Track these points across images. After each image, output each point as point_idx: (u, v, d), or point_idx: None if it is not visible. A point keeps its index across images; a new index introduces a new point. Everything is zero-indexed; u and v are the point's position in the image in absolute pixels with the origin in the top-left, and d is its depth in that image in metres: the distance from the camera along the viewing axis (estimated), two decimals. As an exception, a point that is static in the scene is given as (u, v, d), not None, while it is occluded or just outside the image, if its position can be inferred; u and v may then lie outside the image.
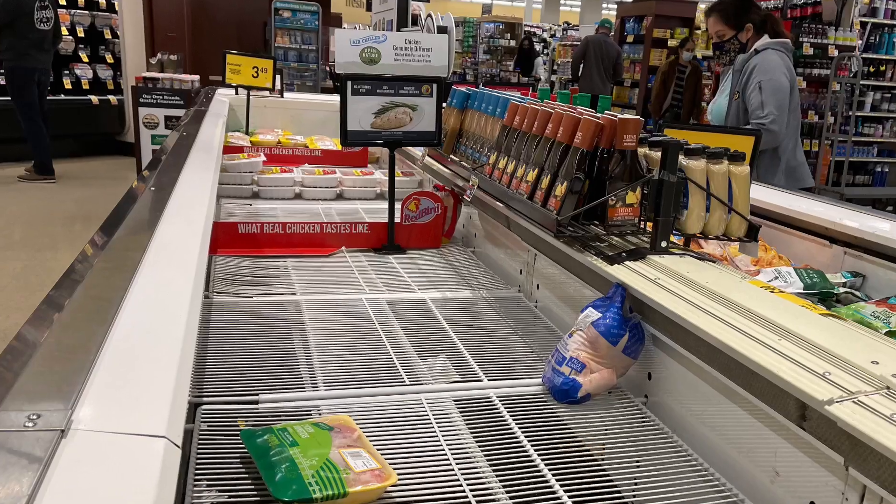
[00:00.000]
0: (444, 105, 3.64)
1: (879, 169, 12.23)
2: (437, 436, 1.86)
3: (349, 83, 3.36)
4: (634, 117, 2.33)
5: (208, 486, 1.56)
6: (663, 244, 2.26)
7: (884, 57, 11.79)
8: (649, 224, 2.33)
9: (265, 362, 2.23)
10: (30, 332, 1.44)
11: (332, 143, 5.82)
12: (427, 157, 4.27)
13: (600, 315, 2.06)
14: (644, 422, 1.99)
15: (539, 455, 1.80)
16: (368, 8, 11.40)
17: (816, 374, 1.49)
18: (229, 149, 5.16)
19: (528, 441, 1.85)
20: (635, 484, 1.74)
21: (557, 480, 1.69)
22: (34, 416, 1.11)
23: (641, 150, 2.40)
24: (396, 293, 2.96)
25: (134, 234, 2.13)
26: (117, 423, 1.12)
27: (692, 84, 12.27)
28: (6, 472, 1.00)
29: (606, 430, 1.95)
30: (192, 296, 1.69)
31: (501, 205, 2.94)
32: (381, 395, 2.05)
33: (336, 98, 5.67)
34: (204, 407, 1.89)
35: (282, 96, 7.10)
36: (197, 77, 10.89)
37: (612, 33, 15.99)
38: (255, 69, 6.48)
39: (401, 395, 2.06)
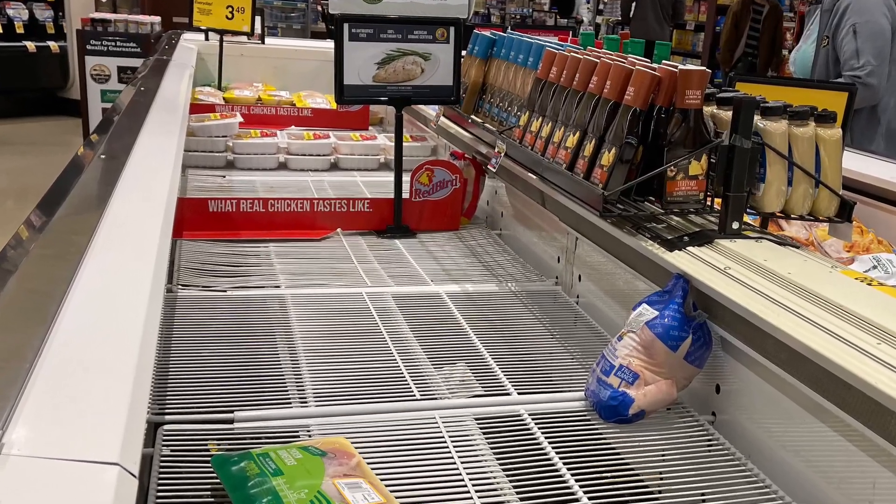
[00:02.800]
0: (463, 53, 3.63)
1: None
2: (454, 463, 1.85)
3: (346, 26, 3.34)
4: (699, 68, 2.31)
5: (172, 523, 1.57)
6: (735, 225, 2.24)
7: None
8: (717, 201, 2.32)
9: (242, 372, 2.22)
10: (-48, 334, 1.44)
11: (325, 101, 5.81)
12: (442, 118, 4.26)
13: (657, 313, 2.05)
14: (711, 445, 1.98)
15: (581, 487, 1.79)
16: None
17: (927, 387, 1.48)
18: (198, 107, 5.15)
19: (568, 470, 1.84)
20: (700, 523, 1.73)
21: (603, 518, 1.69)
22: (-44, 439, 1.11)
23: (708, 110, 2.38)
24: (404, 286, 2.95)
25: (80, 213, 2.13)
26: (59, 448, 1.12)
27: (770, 27, 12.18)
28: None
29: (664, 455, 1.94)
30: (152, 289, 1.69)
31: (534, 177, 2.92)
32: (386, 412, 2.05)
33: (330, 45, 5.66)
34: (167, 427, 1.88)
35: (262, 42, 7.10)
36: (157, 19, 10.89)
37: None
38: (230, 8, 6.47)
39: (410, 412, 2.06)
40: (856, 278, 1.97)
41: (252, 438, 1.90)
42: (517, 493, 1.78)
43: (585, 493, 1.77)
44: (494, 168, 3.31)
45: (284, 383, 2.19)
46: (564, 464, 1.86)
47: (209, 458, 1.72)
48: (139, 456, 1.18)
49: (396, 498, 1.62)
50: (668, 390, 2.02)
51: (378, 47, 3.39)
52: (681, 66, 2.34)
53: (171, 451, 1.79)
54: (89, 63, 10.12)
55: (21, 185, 9.54)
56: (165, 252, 2.04)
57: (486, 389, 2.23)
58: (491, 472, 1.84)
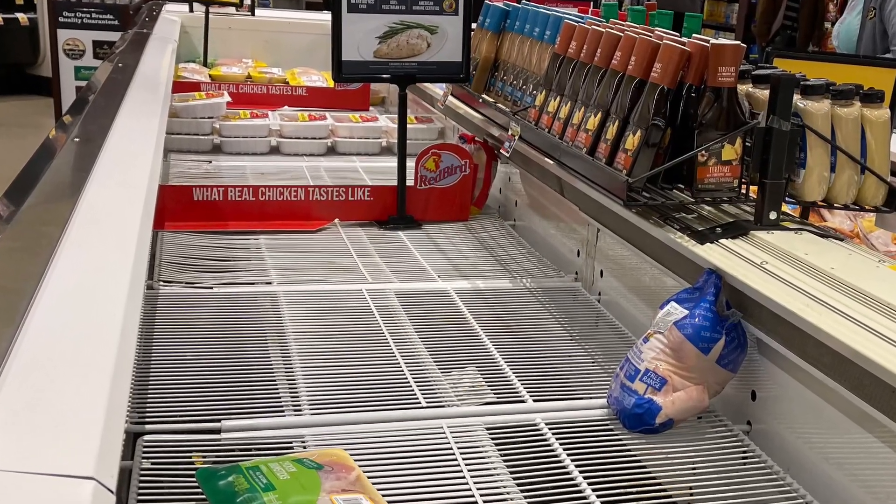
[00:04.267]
0: (473, 26, 3.62)
1: None
2: (464, 477, 1.85)
3: (343, -4, 3.35)
4: (733, 43, 2.31)
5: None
6: (772, 216, 2.24)
7: None
8: (753, 188, 2.31)
9: (230, 377, 2.23)
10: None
11: (322, 79, 5.80)
12: (450, 98, 4.25)
13: (686, 312, 2.05)
14: (746, 458, 1.98)
15: (602, 503, 1.79)
16: None
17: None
18: (181, 86, 5.15)
19: (589, 485, 1.84)
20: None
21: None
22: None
23: (743, 88, 2.37)
24: (409, 282, 2.95)
25: (51, 202, 2.13)
26: (29, 461, 1.12)
27: (812, -3, 12.14)
28: None
29: (695, 469, 1.93)
30: (131, 286, 1.69)
31: (552, 162, 2.92)
32: (388, 421, 2.05)
33: (326, 16, 5.64)
34: (147, 437, 1.89)
35: (252, 14, 7.09)
36: (137, -12, 10.89)
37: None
38: (217, -23, 6.47)
39: (415, 421, 2.06)
40: (906, 274, 1.97)
41: (241, 450, 1.90)
42: (532, 510, 1.78)
43: (607, 510, 1.77)
44: (508, 152, 3.30)
45: (276, 389, 2.19)
46: (585, 478, 1.86)
47: (193, 472, 1.72)
48: (117, 469, 1.18)
49: (399, 515, 1.62)
50: (698, 397, 2.02)
51: (380, 19, 3.39)
52: (713, 41, 2.34)
53: (152, 463, 1.80)
54: (62, 37, 10.12)
55: (-13, 171, 9.54)
56: (146, 245, 2.03)
57: (498, 396, 2.23)
58: (504, 487, 1.84)
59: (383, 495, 1.69)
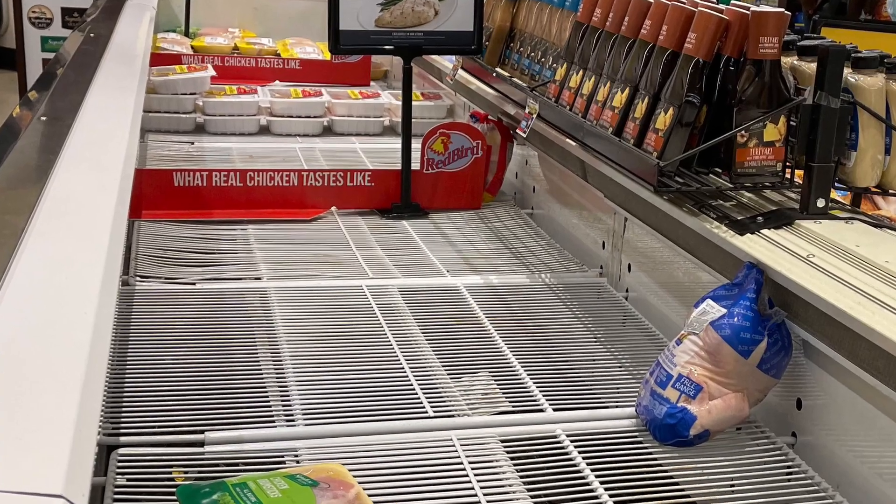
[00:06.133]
0: (485, -9, 3.63)
1: None
2: (475, 495, 1.85)
3: (340, -42, 3.34)
4: (776, 10, 2.31)
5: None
6: (820, 203, 2.24)
7: None
8: (799, 173, 2.31)
9: (215, 384, 2.23)
10: None
11: (317, 51, 5.80)
12: (460, 72, 4.25)
13: (725, 311, 2.04)
14: (791, 474, 1.97)
15: (629, 525, 1.80)
16: None
17: None
18: (160, 58, 5.16)
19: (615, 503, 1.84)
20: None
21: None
22: None
23: (787, 61, 2.37)
24: (414, 278, 2.96)
25: (14, 188, 2.13)
26: (-8, 476, 1.12)
27: (864, -43, 12.12)
28: None
29: (734, 486, 1.93)
30: (104, 283, 1.69)
31: (574, 143, 2.92)
32: (391, 433, 2.05)
33: (321, -19, 5.64)
34: (122, 451, 1.89)
35: (239, -22, 7.10)
36: (111, -50, 10.88)
37: None
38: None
39: (421, 432, 2.06)
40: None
41: (227, 465, 1.91)
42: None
43: (636, 532, 1.77)
44: (525, 133, 3.30)
45: (267, 397, 2.19)
46: (610, 496, 1.86)
47: (174, 489, 1.72)
48: (88, 486, 1.18)
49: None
50: (737, 405, 2.02)
51: (381, -16, 3.39)
52: (754, 8, 2.33)
53: (128, 480, 1.80)
54: (27, 4, 10.12)
55: (-57, 153, 9.56)
56: (120, 236, 2.03)
57: (514, 405, 2.24)
58: (520, 506, 1.85)
59: (385, 515, 1.70)
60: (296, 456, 1.94)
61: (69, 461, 1.16)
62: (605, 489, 1.88)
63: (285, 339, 2.47)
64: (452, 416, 2.16)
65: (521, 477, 1.93)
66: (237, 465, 1.91)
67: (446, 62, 4.62)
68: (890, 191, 2.32)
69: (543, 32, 3.47)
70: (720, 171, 2.41)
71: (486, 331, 2.60)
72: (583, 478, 1.92)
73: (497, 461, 1.98)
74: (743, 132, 2.29)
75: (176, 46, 5.69)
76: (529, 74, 3.53)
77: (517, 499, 1.86)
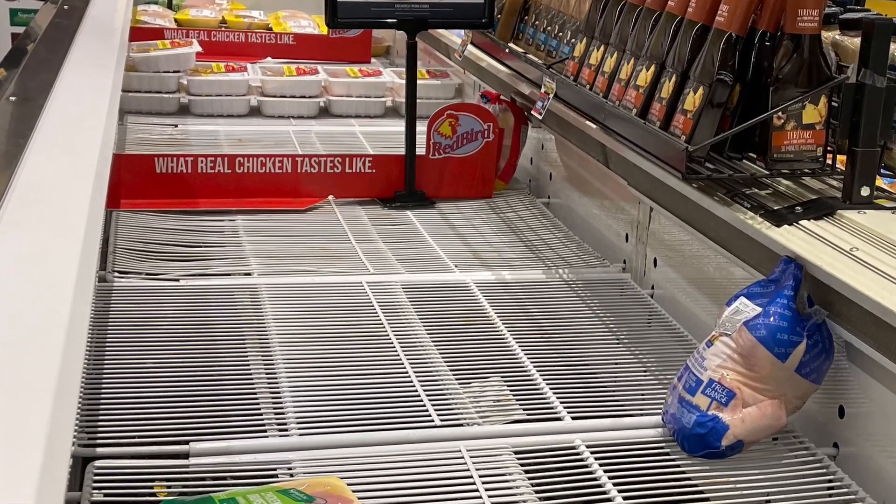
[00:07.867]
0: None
1: None
2: (484, 511, 1.86)
3: (338, -78, 3.35)
4: (818, -23, 2.31)
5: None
6: (864, 192, 2.24)
7: None
8: (841, 158, 2.31)
9: (200, 390, 2.23)
10: None
11: (313, 24, 5.81)
12: (470, 47, 4.25)
13: (760, 310, 2.04)
14: (832, 488, 1.97)
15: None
16: None
17: None
18: (141, 33, 5.16)
19: (637, 521, 1.85)
20: None
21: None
22: None
23: (828, 35, 2.37)
24: (419, 273, 2.96)
25: (-18, 175, 2.14)
26: (-44, 491, 1.12)
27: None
28: None
29: (769, 501, 1.94)
30: (79, 278, 1.69)
31: (594, 126, 2.92)
32: (394, 443, 2.05)
33: (317, -53, 5.64)
34: (99, 463, 1.89)
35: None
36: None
37: None
38: None
39: (426, 442, 2.07)
40: None
41: (214, 479, 1.91)
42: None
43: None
44: (540, 114, 3.30)
45: (257, 405, 2.20)
46: (634, 513, 1.87)
47: (156, 505, 1.73)
48: (61, 502, 1.19)
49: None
50: (773, 414, 2.02)
51: (383, -49, 3.39)
52: (792, -24, 2.33)
53: (105, 495, 1.81)
54: (-5, -27, 10.15)
55: None
56: (97, 228, 2.04)
57: (528, 413, 2.24)
58: (534, 523, 1.85)
59: (387, 534, 1.70)
60: (289, 469, 1.95)
61: (40, 475, 1.17)
62: (629, 505, 1.89)
63: (278, 341, 2.47)
64: (461, 424, 2.16)
65: (536, 492, 1.93)
66: (225, 478, 1.91)
67: (454, 37, 4.62)
68: (942, 177, 2.33)
69: (561, 4, 3.47)
70: (755, 156, 2.41)
71: (499, 332, 2.60)
72: (604, 493, 1.93)
73: (510, 474, 1.98)
74: (780, 114, 2.29)
75: (158, 20, 5.69)
76: (545, 50, 3.53)
77: (532, 516, 1.87)
